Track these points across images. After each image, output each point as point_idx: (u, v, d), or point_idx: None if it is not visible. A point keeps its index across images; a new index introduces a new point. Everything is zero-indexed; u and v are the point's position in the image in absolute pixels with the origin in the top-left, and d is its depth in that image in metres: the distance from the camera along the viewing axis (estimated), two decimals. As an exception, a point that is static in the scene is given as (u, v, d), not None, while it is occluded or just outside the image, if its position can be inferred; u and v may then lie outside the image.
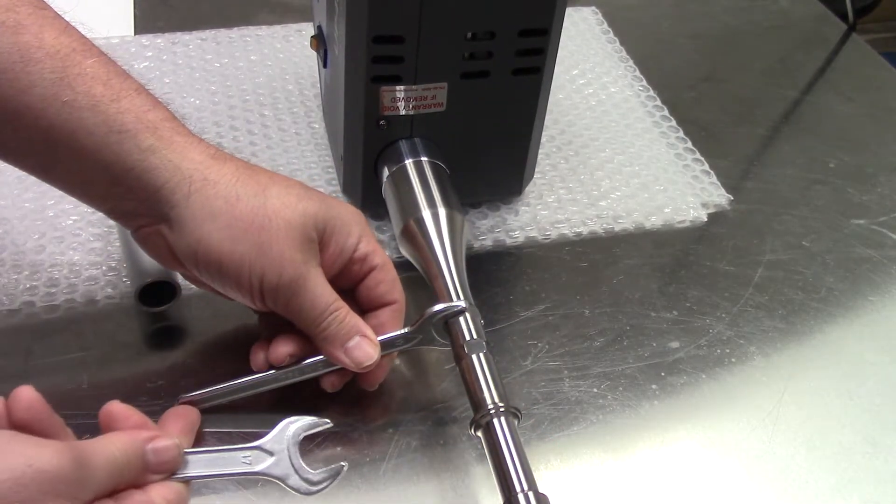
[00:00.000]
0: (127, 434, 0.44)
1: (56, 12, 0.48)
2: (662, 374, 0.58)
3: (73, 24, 0.48)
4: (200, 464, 0.45)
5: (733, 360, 0.59)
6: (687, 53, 0.89)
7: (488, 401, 0.47)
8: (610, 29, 0.89)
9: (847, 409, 0.57)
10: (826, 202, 0.72)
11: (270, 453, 0.46)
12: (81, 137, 0.45)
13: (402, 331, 0.52)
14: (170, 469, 0.44)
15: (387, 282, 0.53)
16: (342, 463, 0.47)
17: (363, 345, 0.50)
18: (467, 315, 0.51)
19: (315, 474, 0.46)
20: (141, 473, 0.43)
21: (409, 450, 0.52)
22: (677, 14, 0.95)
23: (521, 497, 0.43)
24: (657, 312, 0.62)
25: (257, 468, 0.46)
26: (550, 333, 0.60)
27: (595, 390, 0.56)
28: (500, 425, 0.46)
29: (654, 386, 0.57)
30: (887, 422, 0.56)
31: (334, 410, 0.53)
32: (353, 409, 0.54)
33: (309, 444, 0.51)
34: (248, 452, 0.46)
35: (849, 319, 0.63)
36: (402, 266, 0.58)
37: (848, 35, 0.93)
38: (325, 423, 0.48)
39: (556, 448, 0.53)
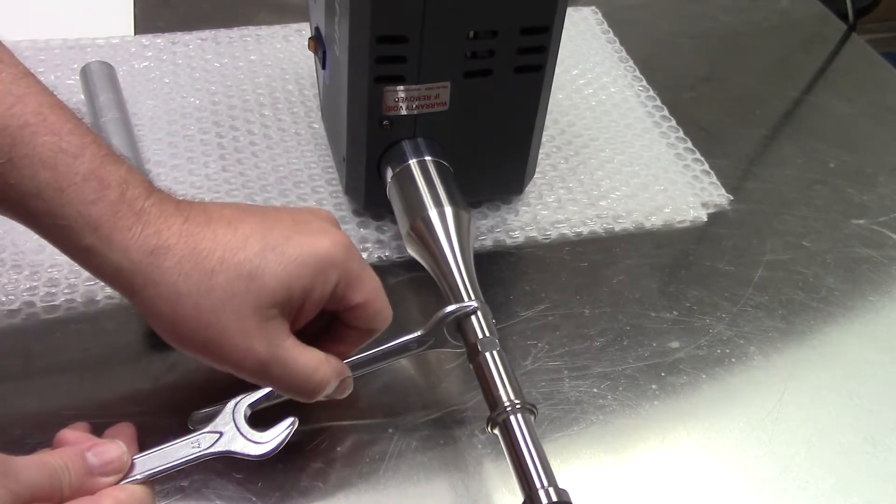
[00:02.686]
0: (64, 447, 0.44)
1: (19, 72, 0.44)
2: (662, 374, 0.58)
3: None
4: (152, 461, 0.45)
5: (733, 360, 0.59)
6: (687, 53, 0.89)
7: (504, 398, 0.47)
8: (610, 29, 0.89)
9: (847, 409, 0.57)
10: (826, 202, 0.72)
11: (219, 433, 0.46)
12: (32, 219, 0.44)
13: (415, 334, 0.51)
14: (116, 469, 0.44)
15: (364, 318, 0.49)
16: (290, 418, 0.47)
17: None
18: (479, 313, 0.50)
19: (263, 435, 0.46)
20: (86, 478, 0.42)
21: (409, 450, 0.52)
22: (677, 14, 0.95)
23: (541, 493, 0.43)
24: (657, 312, 0.62)
25: (207, 449, 0.46)
26: (550, 333, 0.60)
27: (595, 390, 0.56)
28: (518, 422, 0.46)
29: (654, 386, 0.57)
30: (887, 422, 0.56)
31: (334, 411, 0.53)
32: (353, 409, 0.54)
33: (305, 445, 0.51)
34: (195, 438, 0.46)
35: (849, 319, 0.63)
36: (408, 265, 0.58)
37: (848, 35, 0.93)
38: (267, 391, 0.47)
39: (556, 448, 0.53)
